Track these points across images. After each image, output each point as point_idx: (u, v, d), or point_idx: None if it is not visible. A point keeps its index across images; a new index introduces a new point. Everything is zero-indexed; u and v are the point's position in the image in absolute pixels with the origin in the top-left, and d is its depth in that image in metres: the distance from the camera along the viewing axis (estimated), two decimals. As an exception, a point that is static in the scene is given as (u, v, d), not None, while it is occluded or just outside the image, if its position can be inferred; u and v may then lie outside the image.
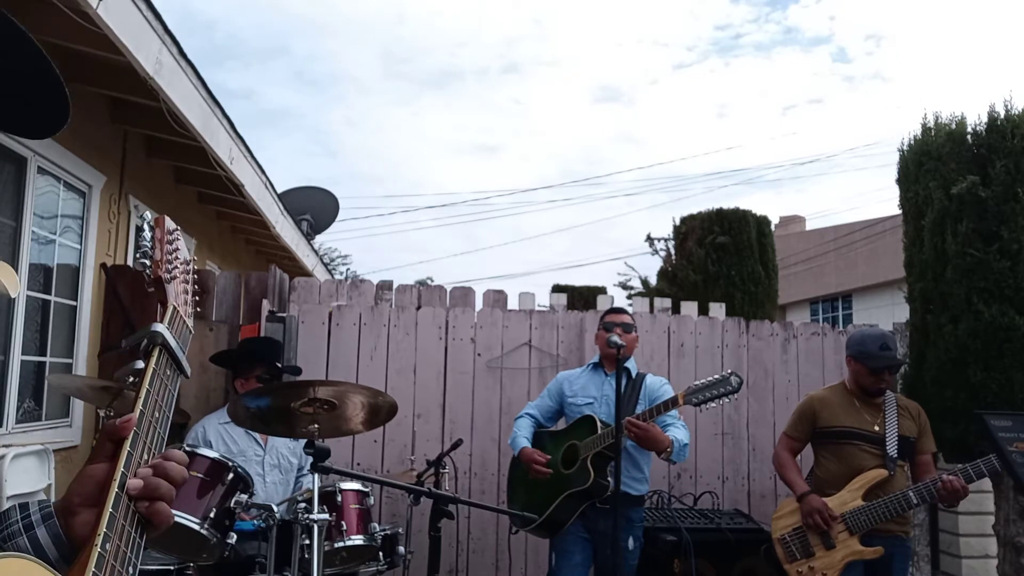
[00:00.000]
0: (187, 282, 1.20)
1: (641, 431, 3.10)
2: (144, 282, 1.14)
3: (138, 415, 0.92)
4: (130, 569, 0.83)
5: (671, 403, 3.17)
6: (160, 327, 1.04)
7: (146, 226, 1.13)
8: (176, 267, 1.16)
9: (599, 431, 3.20)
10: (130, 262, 4.87)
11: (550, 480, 3.30)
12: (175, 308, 1.11)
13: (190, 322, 1.14)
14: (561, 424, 3.58)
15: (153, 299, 1.16)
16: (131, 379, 1.03)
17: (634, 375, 3.50)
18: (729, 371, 3.20)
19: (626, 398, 3.34)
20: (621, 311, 3.64)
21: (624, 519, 3.21)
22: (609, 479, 3.16)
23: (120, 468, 0.86)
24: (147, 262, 1.12)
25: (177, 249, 1.18)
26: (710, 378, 3.18)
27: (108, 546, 0.80)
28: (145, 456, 0.91)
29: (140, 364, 1.03)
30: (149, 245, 1.12)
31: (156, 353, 1.02)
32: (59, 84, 1.02)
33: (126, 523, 0.84)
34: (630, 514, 3.31)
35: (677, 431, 3.23)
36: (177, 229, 1.19)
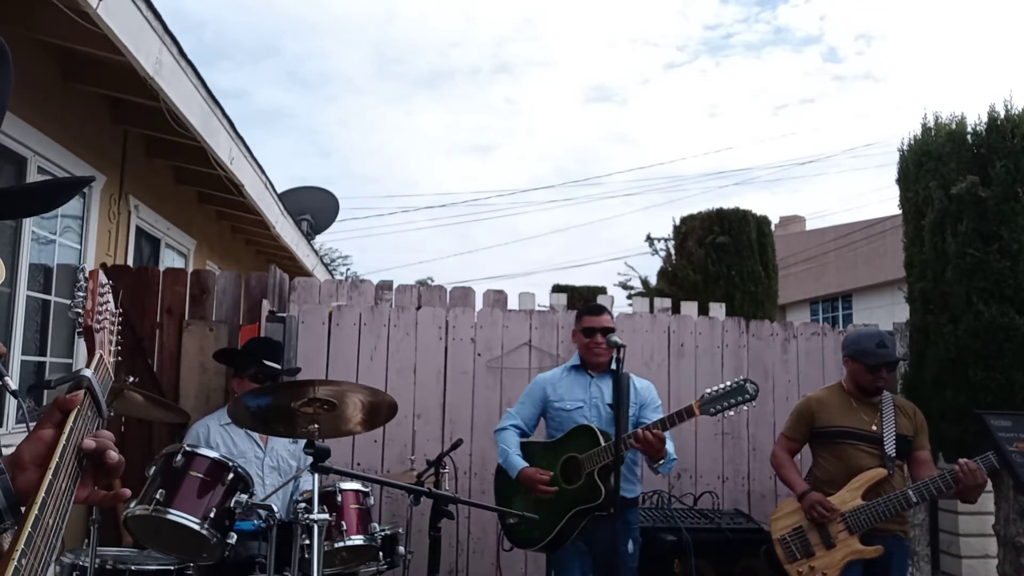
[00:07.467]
0: (112, 332, 1.30)
1: (657, 442, 2.96)
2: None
3: (61, 449, 1.00)
4: (63, 519, 0.95)
5: (685, 413, 3.03)
6: (87, 372, 1.13)
7: (81, 277, 1.25)
8: (104, 317, 1.27)
9: (601, 443, 3.05)
10: (131, 262, 4.87)
11: (554, 497, 3.12)
12: (101, 356, 1.21)
13: (111, 370, 1.25)
14: (540, 427, 3.45)
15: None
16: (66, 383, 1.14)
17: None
18: (743, 378, 3.08)
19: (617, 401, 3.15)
20: (603, 310, 3.39)
21: (623, 523, 3.13)
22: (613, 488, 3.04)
23: (44, 487, 0.93)
24: (80, 311, 1.22)
25: (107, 301, 1.30)
26: (724, 385, 3.07)
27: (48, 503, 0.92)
28: (65, 483, 0.98)
29: (86, 371, 1.13)
30: (84, 295, 1.23)
31: (82, 395, 1.10)
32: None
33: (64, 485, 0.98)
34: (628, 517, 3.22)
35: (670, 443, 3.09)
36: (108, 283, 1.33)
